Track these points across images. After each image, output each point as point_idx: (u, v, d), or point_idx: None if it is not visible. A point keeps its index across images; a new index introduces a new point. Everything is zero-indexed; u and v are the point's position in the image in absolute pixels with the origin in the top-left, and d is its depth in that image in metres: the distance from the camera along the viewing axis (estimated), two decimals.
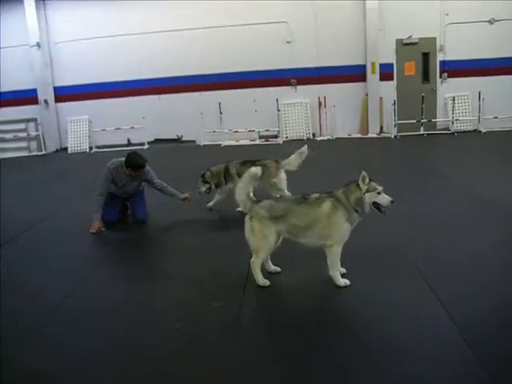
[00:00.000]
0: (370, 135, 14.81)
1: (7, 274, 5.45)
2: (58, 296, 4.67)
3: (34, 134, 16.50)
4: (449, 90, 14.74)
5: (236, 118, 15.02)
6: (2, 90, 16.18)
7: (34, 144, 16.63)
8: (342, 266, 4.48)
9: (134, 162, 6.63)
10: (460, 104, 14.63)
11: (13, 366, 3.55)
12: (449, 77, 14.73)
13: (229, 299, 4.35)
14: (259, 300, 4.34)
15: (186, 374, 3.32)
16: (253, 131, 15.02)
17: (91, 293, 4.78)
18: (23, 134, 16.56)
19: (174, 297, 4.52)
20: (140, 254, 6.00)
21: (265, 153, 11.05)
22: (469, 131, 14.46)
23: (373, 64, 14.67)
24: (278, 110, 15.06)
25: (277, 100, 15.00)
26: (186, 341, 3.74)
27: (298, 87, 15.30)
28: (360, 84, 15.06)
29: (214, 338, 3.74)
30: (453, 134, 14.24)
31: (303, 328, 3.80)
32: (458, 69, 14.55)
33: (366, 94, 14.94)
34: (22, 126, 16.54)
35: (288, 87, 15.31)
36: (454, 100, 14.44)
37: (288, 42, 15.08)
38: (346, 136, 14.89)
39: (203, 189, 7.31)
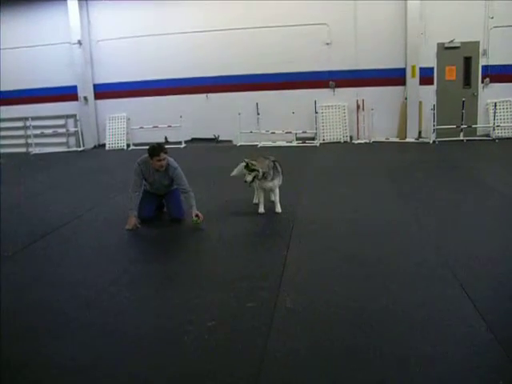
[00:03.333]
0: (407, 140, 14.62)
1: (43, 267, 5.57)
2: (91, 292, 4.73)
3: (72, 130, 16.76)
4: (491, 95, 14.45)
5: (273, 119, 15.00)
6: (44, 86, 16.46)
7: (72, 140, 16.92)
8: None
9: (151, 147, 6.78)
10: (502, 110, 14.33)
11: (45, 356, 3.62)
12: (491, 82, 14.43)
13: (262, 300, 4.34)
14: (294, 302, 4.30)
15: (219, 372, 3.32)
16: (290, 133, 14.96)
17: (124, 290, 4.81)
18: (62, 130, 16.83)
19: (208, 296, 4.52)
20: (174, 252, 6.04)
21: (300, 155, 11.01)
22: (510, 138, 14.16)
23: (413, 68, 14.47)
24: (316, 112, 14.97)
25: (315, 102, 14.92)
26: (219, 339, 3.74)
27: (337, 89, 15.19)
28: (399, 88, 14.87)
29: (248, 338, 3.74)
30: (493, 140, 13.98)
31: (338, 332, 3.77)
32: (500, 74, 14.25)
33: (405, 98, 14.75)
34: (61, 121, 16.85)
35: (326, 89, 15.22)
36: (495, 106, 14.15)
37: (327, 44, 14.98)
38: (384, 140, 14.71)
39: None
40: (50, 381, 3.36)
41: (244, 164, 6.98)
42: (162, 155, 6.71)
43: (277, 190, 7.20)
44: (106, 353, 3.65)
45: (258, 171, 6.86)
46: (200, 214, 6.71)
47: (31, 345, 3.77)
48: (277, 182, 7.14)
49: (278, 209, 7.16)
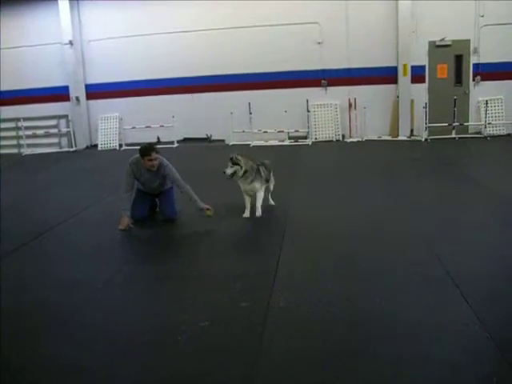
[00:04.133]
0: (400, 138, 14.65)
1: (37, 267, 5.62)
2: (85, 292, 4.75)
3: (65, 130, 16.68)
4: (482, 93, 14.50)
5: (265, 119, 14.95)
6: (35, 86, 16.38)
7: (64, 140, 16.83)
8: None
9: (142, 147, 6.82)
10: (493, 107, 14.39)
11: (42, 357, 3.63)
12: (482, 80, 14.48)
13: (256, 299, 4.36)
14: (287, 301, 4.32)
15: (212, 372, 3.33)
16: (282, 132, 14.97)
17: (118, 290, 4.85)
18: (54, 131, 16.73)
19: (201, 296, 4.55)
20: (167, 252, 6.07)
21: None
22: (502, 135, 14.25)
23: (404, 66, 14.50)
24: (308, 111, 14.98)
25: (307, 101, 14.94)
26: (212, 339, 3.76)
27: (329, 88, 15.20)
28: (391, 86, 14.91)
29: (242, 338, 3.75)
30: (485, 138, 14.03)
31: (331, 331, 3.79)
32: (491, 71, 14.30)
33: (397, 96, 14.78)
34: (53, 122, 16.75)
35: (318, 88, 15.22)
36: (487, 103, 14.20)
37: (319, 43, 14.97)
38: (376, 138, 14.73)
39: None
40: (48, 381, 3.37)
41: (230, 157, 6.95)
42: (154, 155, 6.71)
43: (259, 194, 7.10)
44: (99, 353, 3.65)
45: (240, 166, 6.85)
46: (208, 206, 6.79)
47: (27, 345, 3.78)
48: (257, 186, 7.04)
49: (259, 213, 7.05)
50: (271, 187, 7.59)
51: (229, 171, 6.83)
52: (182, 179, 6.91)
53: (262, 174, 7.11)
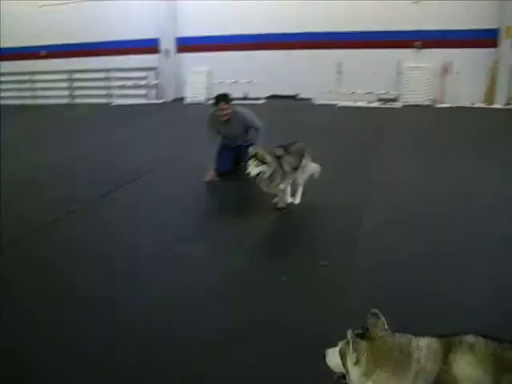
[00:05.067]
0: (495, 106, 13.89)
1: (121, 216, 5.88)
2: (158, 250, 4.86)
3: (153, 82, 16.96)
4: None
5: (354, 79, 14.56)
6: (126, 38, 16.66)
7: (152, 92, 17.13)
8: None
9: (216, 95, 7.07)
10: None
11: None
12: None
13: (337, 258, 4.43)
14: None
15: (295, 322, 3.48)
16: (371, 93, 14.56)
17: (192, 249, 4.87)
18: (143, 82, 17.08)
19: (285, 259, 4.61)
20: (248, 211, 6.14)
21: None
22: None
23: (508, 28, 13.59)
24: (399, 74, 14.45)
25: (398, 62, 14.41)
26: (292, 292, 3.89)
27: (422, 50, 14.54)
28: (490, 50, 14.02)
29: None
30: None
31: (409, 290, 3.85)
32: None
33: (496, 62, 13.95)
34: (142, 74, 17.06)
35: (410, 50, 14.59)
36: None
37: (414, 3, 14.29)
38: (469, 105, 14.02)
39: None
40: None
41: (252, 154, 5.63)
42: (222, 105, 6.86)
43: (287, 190, 6.00)
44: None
45: (267, 165, 5.55)
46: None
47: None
48: (283, 186, 5.84)
49: (297, 200, 6.08)
50: (300, 180, 6.07)
51: (254, 171, 5.53)
52: (257, 121, 7.02)
53: (286, 167, 5.78)
